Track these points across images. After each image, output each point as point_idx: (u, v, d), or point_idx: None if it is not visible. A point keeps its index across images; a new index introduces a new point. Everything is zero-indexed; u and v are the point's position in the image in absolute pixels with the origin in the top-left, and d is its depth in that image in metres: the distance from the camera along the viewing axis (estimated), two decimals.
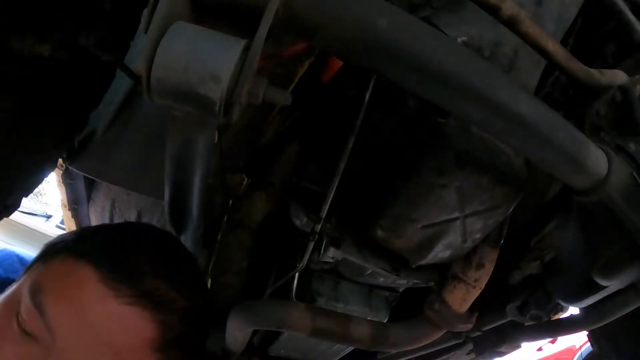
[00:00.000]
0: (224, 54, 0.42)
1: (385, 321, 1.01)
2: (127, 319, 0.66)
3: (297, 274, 0.87)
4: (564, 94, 0.81)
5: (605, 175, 0.63)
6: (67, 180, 1.39)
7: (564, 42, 0.80)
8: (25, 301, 0.66)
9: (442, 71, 0.51)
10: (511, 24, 0.62)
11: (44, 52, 0.70)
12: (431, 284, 0.94)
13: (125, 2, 0.72)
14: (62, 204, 1.56)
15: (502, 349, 1.13)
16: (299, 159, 0.91)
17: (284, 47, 0.70)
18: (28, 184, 0.85)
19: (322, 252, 0.84)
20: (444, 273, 0.89)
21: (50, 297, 0.65)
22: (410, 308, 0.97)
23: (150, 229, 0.82)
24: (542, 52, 0.65)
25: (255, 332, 1.00)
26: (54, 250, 0.72)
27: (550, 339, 4.86)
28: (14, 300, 0.68)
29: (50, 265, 0.70)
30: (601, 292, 0.80)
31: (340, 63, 0.80)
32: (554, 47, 0.65)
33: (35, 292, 0.66)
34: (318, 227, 0.81)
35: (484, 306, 0.90)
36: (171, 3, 0.44)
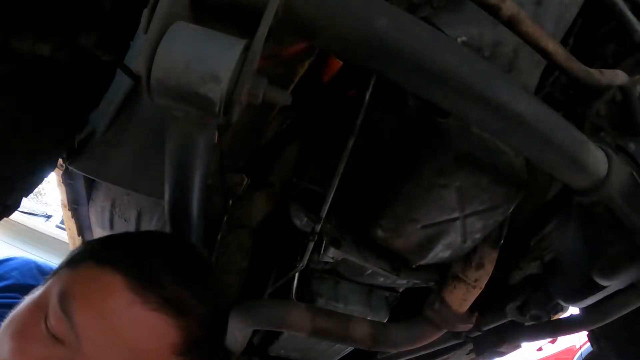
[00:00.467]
0: (224, 54, 0.42)
1: (385, 321, 1.01)
2: (152, 324, 0.68)
3: (297, 274, 0.87)
4: (564, 94, 0.81)
5: (605, 175, 0.63)
6: (67, 180, 1.39)
7: (564, 42, 0.80)
8: (53, 305, 0.67)
9: (442, 71, 0.51)
10: (511, 24, 0.62)
11: (44, 52, 0.70)
12: (431, 284, 0.94)
13: (125, 2, 0.72)
14: (62, 204, 1.55)
15: (502, 349, 1.13)
16: (299, 159, 0.91)
17: (284, 47, 0.70)
18: (28, 184, 0.85)
19: (322, 252, 0.84)
20: (444, 273, 0.89)
21: (78, 302, 0.66)
22: (410, 308, 0.97)
23: (170, 238, 0.85)
24: (542, 52, 0.65)
25: (255, 332, 1.00)
26: (81, 257, 0.75)
27: (550, 339, 4.86)
28: (42, 303, 0.70)
29: (77, 270, 0.72)
30: (601, 292, 0.80)
31: (340, 63, 0.80)
32: (554, 47, 0.65)
33: (63, 296, 0.67)
34: (318, 227, 0.81)
35: (484, 306, 0.90)
36: (171, 3, 0.44)
